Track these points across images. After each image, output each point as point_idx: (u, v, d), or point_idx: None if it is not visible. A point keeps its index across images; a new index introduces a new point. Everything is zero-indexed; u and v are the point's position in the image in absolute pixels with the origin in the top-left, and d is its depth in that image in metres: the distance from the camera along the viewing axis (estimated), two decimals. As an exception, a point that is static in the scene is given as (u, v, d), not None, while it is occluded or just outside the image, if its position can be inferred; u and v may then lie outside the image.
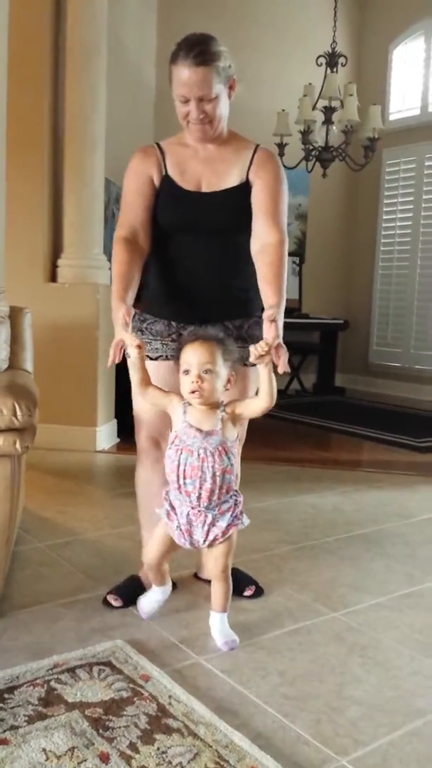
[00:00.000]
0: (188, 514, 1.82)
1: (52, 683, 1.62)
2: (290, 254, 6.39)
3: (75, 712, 1.53)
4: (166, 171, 2.04)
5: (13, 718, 1.49)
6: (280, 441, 4.62)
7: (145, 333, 2.07)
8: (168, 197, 2.04)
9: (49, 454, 3.78)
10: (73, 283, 4.01)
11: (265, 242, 1.98)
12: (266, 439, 4.51)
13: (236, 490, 1.89)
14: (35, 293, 3.82)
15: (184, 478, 1.79)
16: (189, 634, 1.93)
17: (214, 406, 1.82)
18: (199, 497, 1.79)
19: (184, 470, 1.79)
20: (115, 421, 4.26)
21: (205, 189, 2.03)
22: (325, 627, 2.03)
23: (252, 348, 1.73)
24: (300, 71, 5.85)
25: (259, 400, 1.81)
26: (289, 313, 6.08)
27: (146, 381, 1.85)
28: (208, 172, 2.03)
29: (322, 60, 5.37)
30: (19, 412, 1.86)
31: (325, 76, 5.34)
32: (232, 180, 2.03)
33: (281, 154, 5.42)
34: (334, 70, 5.33)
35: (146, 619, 1.98)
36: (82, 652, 1.78)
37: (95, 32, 3.91)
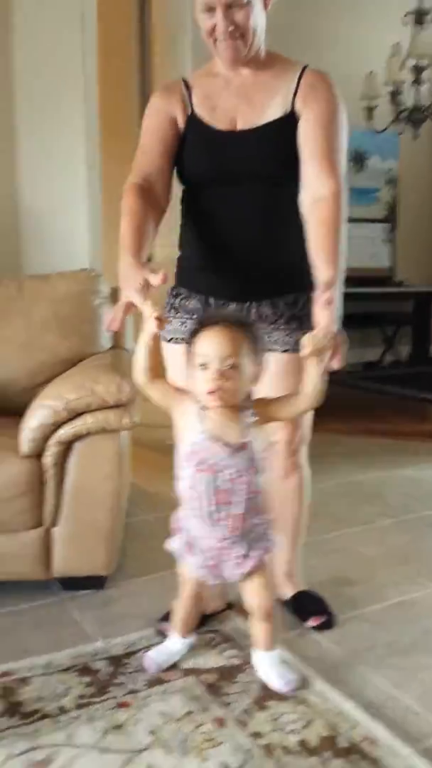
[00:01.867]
0: (213, 548, 1.51)
1: (167, 650, 1.69)
2: (381, 221, 6.26)
3: (190, 678, 1.60)
4: (192, 109, 1.68)
5: (132, 683, 1.58)
6: (377, 414, 4.55)
7: (180, 311, 1.74)
8: (195, 141, 1.68)
9: (152, 430, 3.87)
10: (167, 263, 4.06)
11: (316, 195, 1.59)
12: (363, 411, 4.47)
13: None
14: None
15: (215, 504, 1.45)
16: (295, 605, 1.96)
17: (238, 408, 1.44)
18: (229, 527, 1.47)
19: (211, 497, 1.45)
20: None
21: (240, 127, 1.65)
22: (429, 600, 2.02)
23: (304, 340, 1.39)
24: (387, 31, 5.64)
25: (300, 401, 1.46)
26: (381, 282, 5.97)
27: (156, 370, 1.47)
28: (243, 106, 1.65)
29: (409, 18, 5.18)
30: (125, 389, 1.93)
31: (412, 34, 5.15)
32: (273, 111, 1.63)
33: (370, 118, 5.28)
34: (422, 27, 5.13)
35: (153, 671, 1.61)
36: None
37: (179, 13, 3.91)
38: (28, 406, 2.00)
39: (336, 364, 1.44)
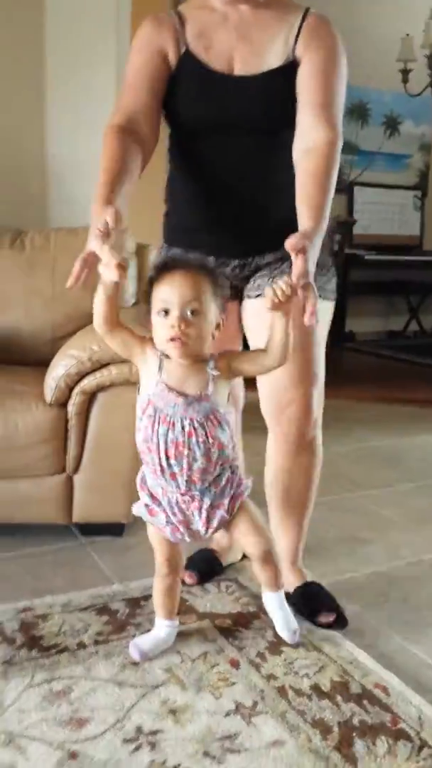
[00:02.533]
0: (177, 502, 1.43)
1: (184, 595, 1.72)
2: (412, 188, 6.17)
3: (206, 621, 1.63)
4: (187, 45, 1.55)
5: (149, 623, 1.61)
6: (400, 382, 4.53)
7: None
8: (190, 82, 1.55)
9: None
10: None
11: (310, 143, 1.49)
12: (385, 379, 4.46)
13: (232, 449, 1.47)
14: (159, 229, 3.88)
15: (167, 458, 1.38)
16: (309, 558, 1.98)
17: (200, 359, 1.37)
18: (189, 480, 1.39)
19: (166, 448, 1.37)
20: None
21: (238, 71, 1.53)
22: (447, 560, 2.04)
23: (268, 289, 1.29)
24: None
25: (267, 356, 1.37)
26: (408, 250, 5.91)
27: (114, 318, 1.37)
28: (241, 46, 1.53)
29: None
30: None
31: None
32: (274, 58, 1.53)
33: (405, 81, 5.17)
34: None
35: (138, 659, 1.49)
36: (210, 569, 1.88)
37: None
38: (53, 358, 2.03)
39: (307, 321, 1.28)
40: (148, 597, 1.72)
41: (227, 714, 1.34)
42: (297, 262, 1.29)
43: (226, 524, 1.46)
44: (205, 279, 1.34)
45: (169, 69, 1.56)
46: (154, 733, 1.29)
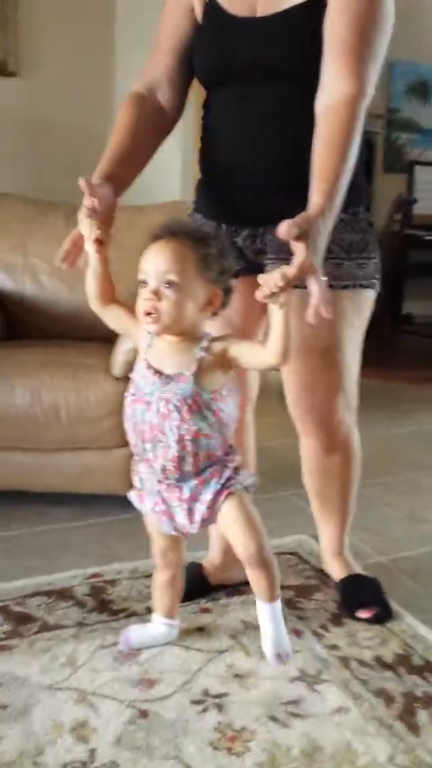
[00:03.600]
0: (159, 491, 1.32)
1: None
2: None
3: (269, 592, 1.67)
4: None
5: (214, 591, 1.66)
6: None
7: None
8: (208, 31, 1.42)
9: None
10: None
11: (330, 98, 1.28)
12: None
13: (230, 446, 1.33)
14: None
15: (143, 441, 1.28)
16: (368, 536, 2.00)
17: (189, 338, 1.25)
18: (164, 468, 1.27)
19: (143, 430, 1.27)
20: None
21: (261, 12, 1.37)
22: None
23: (260, 278, 1.12)
24: None
25: (266, 353, 1.20)
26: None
27: (107, 293, 1.31)
28: None
29: None
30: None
31: None
32: None
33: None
34: None
35: (126, 649, 1.45)
36: (272, 542, 1.90)
37: None
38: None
39: (311, 317, 1.13)
40: (212, 567, 1.77)
41: (291, 681, 1.38)
42: (299, 249, 1.12)
43: (213, 520, 1.31)
44: (188, 248, 1.20)
45: (194, 23, 1.44)
46: (220, 696, 1.34)
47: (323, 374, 1.48)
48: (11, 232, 2.58)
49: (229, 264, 1.26)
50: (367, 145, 4.32)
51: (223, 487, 1.29)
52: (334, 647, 1.47)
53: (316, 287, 1.13)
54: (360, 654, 1.45)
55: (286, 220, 1.12)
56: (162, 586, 1.45)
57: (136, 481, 1.36)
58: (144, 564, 1.77)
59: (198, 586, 1.62)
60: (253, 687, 1.36)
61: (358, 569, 1.69)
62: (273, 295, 1.11)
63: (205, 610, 1.60)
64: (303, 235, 1.12)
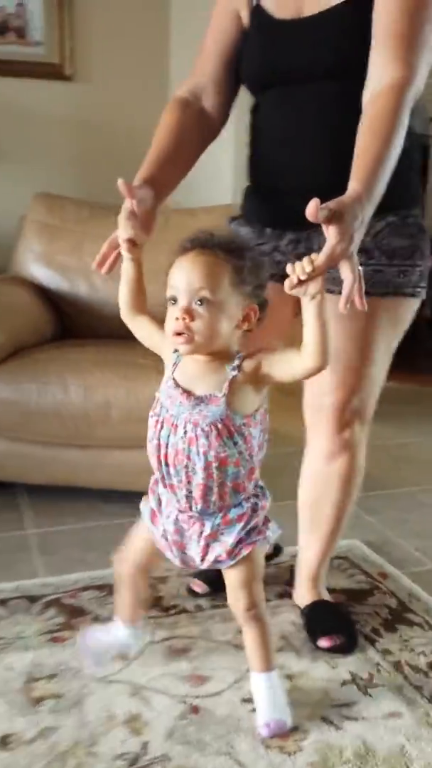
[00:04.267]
0: (177, 519, 1.23)
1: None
2: None
3: (320, 595, 1.66)
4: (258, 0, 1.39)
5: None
6: None
7: None
8: (256, 37, 1.39)
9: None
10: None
11: (377, 85, 1.22)
12: None
13: (261, 487, 1.26)
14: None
15: (167, 465, 1.19)
16: (423, 544, 1.97)
17: (220, 356, 1.15)
18: (188, 497, 1.18)
19: (166, 453, 1.18)
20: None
21: (308, 11, 1.32)
22: None
23: (290, 267, 1.04)
24: None
25: (303, 358, 1.10)
26: None
27: (139, 303, 1.24)
28: None
29: None
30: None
31: None
32: None
33: None
34: None
35: (88, 667, 1.38)
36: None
37: None
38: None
39: (341, 307, 1.07)
40: (262, 568, 1.77)
41: (343, 683, 1.37)
42: (331, 233, 1.05)
43: (226, 564, 1.23)
44: (222, 261, 1.11)
45: (241, 29, 1.42)
46: (271, 695, 1.33)
47: (347, 380, 1.42)
48: (66, 234, 2.62)
49: (265, 276, 1.18)
50: (423, 148, 4.27)
51: (249, 538, 1.21)
52: (386, 652, 1.46)
53: (349, 274, 1.07)
54: (414, 659, 1.44)
55: (316, 199, 1.03)
56: (131, 596, 1.36)
57: (151, 501, 1.27)
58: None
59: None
60: (305, 688, 1.36)
61: (326, 596, 1.58)
62: (301, 284, 1.03)
63: (256, 610, 1.59)
64: (335, 219, 1.05)
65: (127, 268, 1.23)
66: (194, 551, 1.23)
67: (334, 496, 1.52)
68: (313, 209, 1.02)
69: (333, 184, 1.15)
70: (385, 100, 1.20)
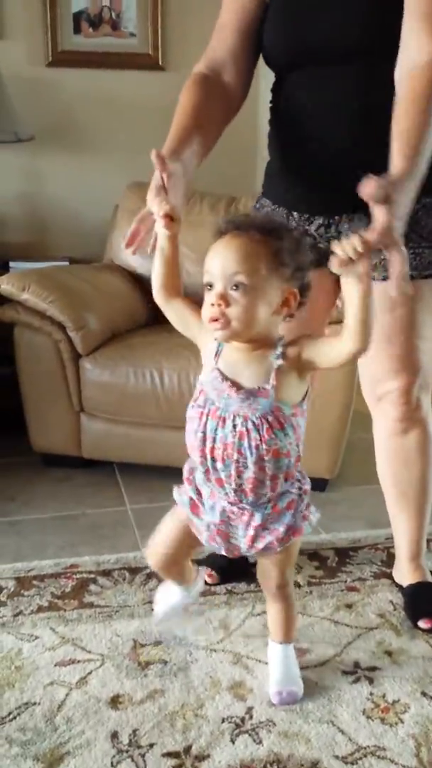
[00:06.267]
0: (224, 510, 1.20)
1: (391, 550, 1.76)
2: None
3: (417, 575, 1.67)
4: None
5: (360, 572, 1.68)
6: None
7: None
8: (278, 12, 1.33)
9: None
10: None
11: (411, 61, 1.19)
12: None
13: (300, 472, 1.23)
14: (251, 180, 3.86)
15: (213, 459, 1.15)
16: None
17: (262, 344, 1.11)
18: (238, 490, 1.15)
19: (213, 447, 1.14)
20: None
21: None
22: None
23: (336, 246, 1.00)
24: None
25: (344, 340, 1.06)
26: None
27: (173, 285, 1.17)
28: None
29: None
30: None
31: None
32: None
33: None
34: None
35: (156, 624, 1.46)
36: (385, 531, 1.89)
37: None
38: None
39: (394, 289, 1.05)
40: (357, 548, 1.80)
41: (444, 661, 1.38)
42: (377, 215, 1.04)
43: (275, 551, 1.22)
44: (259, 244, 1.06)
45: (262, 3, 1.35)
46: (371, 669, 1.36)
47: (401, 358, 1.42)
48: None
49: (306, 258, 1.11)
50: None
51: (296, 524, 1.20)
52: None
53: (398, 257, 1.05)
54: None
55: (370, 180, 1.03)
56: (176, 567, 1.36)
57: (190, 491, 1.24)
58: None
59: (235, 561, 1.42)
60: (405, 664, 1.37)
61: (430, 578, 1.57)
62: (350, 262, 0.99)
63: (352, 589, 1.62)
64: (385, 198, 1.04)
65: (163, 245, 1.15)
66: (241, 540, 1.21)
67: (417, 469, 1.52)
68: (371, 190, 1.02)
69: (365, 165, 1.10)
70: (422, 75, 1.17)
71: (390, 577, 1.64)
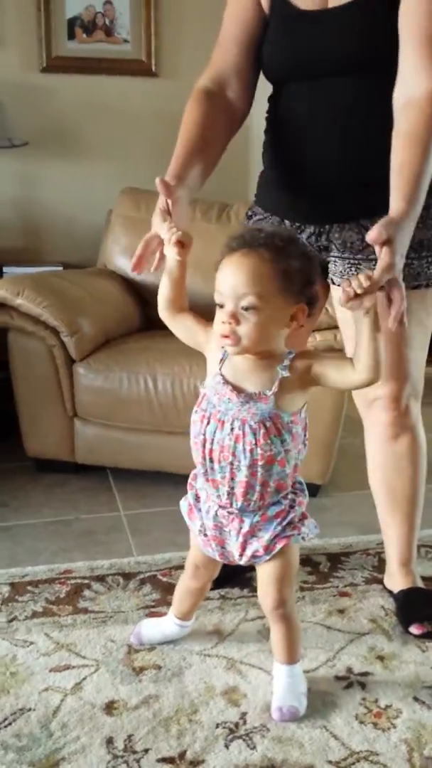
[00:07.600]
0: (217, 514, 1.24)
1: (382, 555, 1.77)
2: None
3: (408, 581, 1.68)
4: None
5: (351, 577, 1.70)
6: None
7: None
8: (277, 26, 1.36)
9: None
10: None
11: (409, 93, 1.22)
12: None
13: (300, 482, 1.27)
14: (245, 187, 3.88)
15: (211, 460, 1.19)
16: None
17: (269, 354, 1.15)
18: (230, 493, 1.19)
19: (211, 449, 1.18)
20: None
21: (332, 2, 1.30)
22: None
23: (345, 284, 1.07)
24: None
25: (358, 371, 1.12)
26: None
27: (180, 302, 1.22)
28: None
29: None
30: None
31: None
32: None
33: None
34: None
35: (137, 644, 1.45)
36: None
37: None
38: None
39: (392, 323, 1.12)
40: (348, 554, 1.81)
41: (435, 666, 1.40)
42: (383, 254, 1.11)
43: (264, 559, 1.24)
44: (268, 263, 1.09)
45: (263, 18, 1.39)
46: (364, 674, 1.38)
47: (395, 373, 1.45)
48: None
49: (315, 273, 1.16)
50: None
51: (284, 532, 1.21)
52: None
53: (398, 294, 1.13)
54: None
55: (377, 226, 1.11)
56: (184, 592, 1.41)
57: (189, 496, 1.29)
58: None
59: (232, 567, 1.41)
60: (396, 669, 1.39)
61: (420, 583, 1.58)
62: (357, 297, 1.06)
63: (344, 594, 1.64)
64: (386, 241, 1.11)
65: (172, 269, 1.20)
66: (233, 547, 1.25)
67: (406, 475, 1.55)
68: (376, 235, 1.10)
69: (359, 178, 1.18)
70: (421, 110, 1.20)
71: (381, 582, 1.66)
